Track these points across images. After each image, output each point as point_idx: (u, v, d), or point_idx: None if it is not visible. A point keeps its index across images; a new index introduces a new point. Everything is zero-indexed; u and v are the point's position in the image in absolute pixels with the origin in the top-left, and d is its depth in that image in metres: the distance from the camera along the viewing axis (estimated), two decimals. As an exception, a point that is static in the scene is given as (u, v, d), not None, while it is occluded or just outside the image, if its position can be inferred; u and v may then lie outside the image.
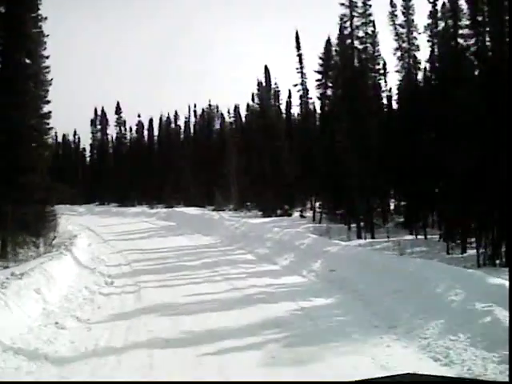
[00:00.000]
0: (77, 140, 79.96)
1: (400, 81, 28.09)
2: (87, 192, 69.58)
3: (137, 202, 58.54)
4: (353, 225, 26.87)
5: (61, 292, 10.83)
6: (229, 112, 60.76)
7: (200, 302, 11.42)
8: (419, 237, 23.59)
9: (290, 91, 49.57)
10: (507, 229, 16.62)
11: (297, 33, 39.87)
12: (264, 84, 38.45)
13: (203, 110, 63.22)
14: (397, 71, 26.74)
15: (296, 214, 36.27)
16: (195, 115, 64.70)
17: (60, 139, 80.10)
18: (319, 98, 33.04)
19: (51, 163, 21.27)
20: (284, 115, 48.70)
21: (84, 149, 78.77)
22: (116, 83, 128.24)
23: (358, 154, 23.40)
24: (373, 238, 24.03)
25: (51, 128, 20.51)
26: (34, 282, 9.75)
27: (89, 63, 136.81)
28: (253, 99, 56.49)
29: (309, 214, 35.74)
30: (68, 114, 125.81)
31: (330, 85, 31.66)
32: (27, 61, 18.21)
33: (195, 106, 64.95)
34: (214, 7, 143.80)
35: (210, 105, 63.25)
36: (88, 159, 78.24)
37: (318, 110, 39.83)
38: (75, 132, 79.32)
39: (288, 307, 10.78)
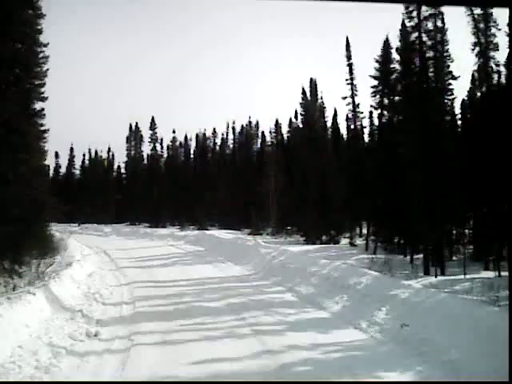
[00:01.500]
0: (111, 157, 77.78)
1: (474, 83, 23.98)
2: (119, 211, 67.27)
3: (169, 223, 55.28)
4: (416, 256, 22.69)
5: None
6: (270, 132, 57.16)
7: (213, 376, 7.64)
8: (503, 273, 19.17)
9: (335, 110, 46.04)
10: None
11: (347, 40, 36.11)
12: (309, 96, 34.61)
13: (242, 126, 60.16)
14: (477, 71, 22.57)
15: (344, 242, 32.17)
16: (234, 132, 61.71)
17: (93, 155, 78.51)
18: (375, 108, 28.94)
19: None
20: (330, 132, 44.90)
21: (119, 166, 76.45)
22: (151, 99, 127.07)
23: (427, 168, 19.28)
24: (443, 273, 19.77)
25: (45, 131, 16.89)
26: None
27: (125, 81, 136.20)
28: (296, 116, 53.27)
29: (359, 241, 31.61)
30: (103, 131, 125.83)
31: (387, 91, 27.74)
32: (19, 45, 14.87)
33: (234, 123, 62.02)
34: (246, 26, 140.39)
35: (249, 122, 60.23)
36: (123, 177, 75.78)
37: (369, 126, 36.13)
38: (109, 149, 77.23)
39: (347, 393, 6.94)
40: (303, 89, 32.12)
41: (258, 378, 7.62)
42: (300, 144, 32.21)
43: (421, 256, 22.19)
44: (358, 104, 39.77)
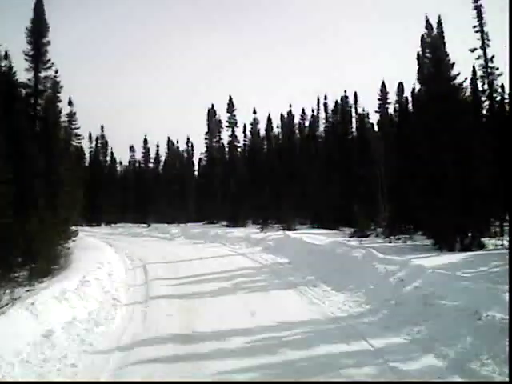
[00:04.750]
0: (190, 148, 71.42)
1: None
2: (198, 208, 60.95)
3: (250, 221, 47.55)
4: None
5: None
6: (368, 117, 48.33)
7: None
8: None
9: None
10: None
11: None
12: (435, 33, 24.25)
13: (336, 102, 51.45)
14: None
15: (490, 244, 22.86)
16: (326, 110, 53.15)
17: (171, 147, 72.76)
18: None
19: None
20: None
21: (200, 159, 69.80)
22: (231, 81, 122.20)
23: None
24: None
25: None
26: None
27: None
28: (401, 90, 44.00)
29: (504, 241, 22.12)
30: (183, 125, 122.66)
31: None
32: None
33: (326, 98, 53.43)
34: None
35: (345, 96, 51.40)
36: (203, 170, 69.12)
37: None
38: (188, 139, 70.85)
39: None
40: (427, 19, 22.16)
41: None
42: (425, 102, 22.57)
43: None
44: (492, 57, 31.37)
